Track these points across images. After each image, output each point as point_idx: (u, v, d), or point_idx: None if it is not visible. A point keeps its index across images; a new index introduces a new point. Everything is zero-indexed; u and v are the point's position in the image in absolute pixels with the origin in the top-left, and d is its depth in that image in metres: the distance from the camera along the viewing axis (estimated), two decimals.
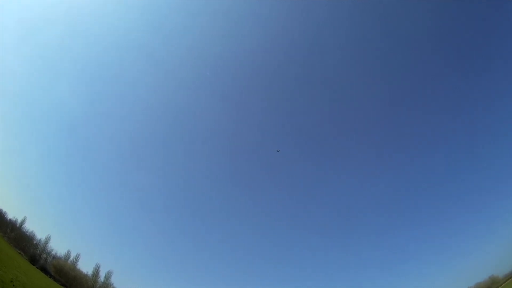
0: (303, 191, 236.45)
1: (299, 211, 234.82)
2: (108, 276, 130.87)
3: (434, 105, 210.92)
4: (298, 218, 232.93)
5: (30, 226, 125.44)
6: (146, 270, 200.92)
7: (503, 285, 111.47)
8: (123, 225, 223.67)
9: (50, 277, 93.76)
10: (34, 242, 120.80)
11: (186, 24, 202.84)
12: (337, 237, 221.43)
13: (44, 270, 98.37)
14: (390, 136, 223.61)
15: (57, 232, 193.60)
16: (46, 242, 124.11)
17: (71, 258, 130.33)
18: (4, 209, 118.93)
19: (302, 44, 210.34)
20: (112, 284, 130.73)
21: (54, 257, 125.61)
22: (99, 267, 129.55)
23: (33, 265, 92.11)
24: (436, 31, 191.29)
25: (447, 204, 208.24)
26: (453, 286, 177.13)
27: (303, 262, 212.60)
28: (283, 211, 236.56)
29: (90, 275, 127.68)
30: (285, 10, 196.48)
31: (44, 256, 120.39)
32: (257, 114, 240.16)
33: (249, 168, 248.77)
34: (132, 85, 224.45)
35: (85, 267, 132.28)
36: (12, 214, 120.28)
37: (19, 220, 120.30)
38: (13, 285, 27.29)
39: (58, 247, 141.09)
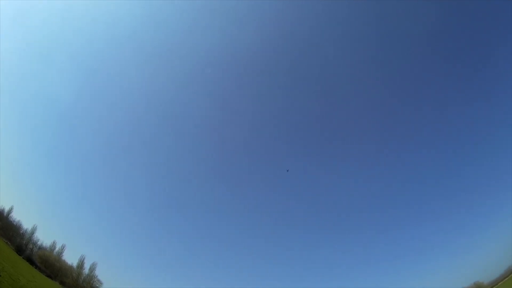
0: (299, 189, 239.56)
1: (295, 209, 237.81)
2: (92, 268, 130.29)
3: (432, 102, 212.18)
4: (293, 215, 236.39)
5: (17, 216, 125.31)
6: (132, 263, 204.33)
7: None
8: (111, 218, 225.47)
9: (36, 268, 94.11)
10: (21, 232, 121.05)
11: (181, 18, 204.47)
12: (323, 237, 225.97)
13: (30, 260, 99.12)
14: (386, 134, 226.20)
15: (43, 222, 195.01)
16: (32, 232, 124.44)
17: (57, 249, 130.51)
18: None
19: (298, 40, 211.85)
20: (97, 276, 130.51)
21: (40, 248, 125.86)
22: (84, 258, 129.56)
23: (20, 255, 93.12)
24: (434, 28, 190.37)
25: (435, 205, 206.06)
26: None
27: (297, 260, 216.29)
28: (279, 209, 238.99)
29: (75, 267, 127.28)
30: (281, 8, 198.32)
31: (30, 246, 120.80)
32: (254, 112, 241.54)
33: (243, 164, 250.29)
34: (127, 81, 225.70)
35: (70, 258, 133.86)
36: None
37: (6, 209, 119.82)
38: (0, 276, 27.32)
39: (44, 237, 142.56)
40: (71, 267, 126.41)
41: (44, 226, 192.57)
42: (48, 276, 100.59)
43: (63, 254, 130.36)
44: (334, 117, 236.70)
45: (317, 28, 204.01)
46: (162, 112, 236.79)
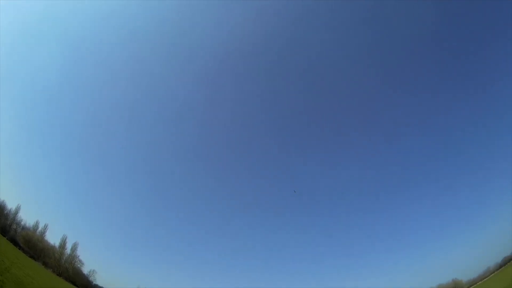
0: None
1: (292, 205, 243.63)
2: (74, 248, 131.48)
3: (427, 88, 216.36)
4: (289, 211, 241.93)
5: (2, 196, 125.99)
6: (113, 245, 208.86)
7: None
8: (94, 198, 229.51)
9: (19, 249, 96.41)
10: (5, 212, 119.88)
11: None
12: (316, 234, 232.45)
13: (13, 241, 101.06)
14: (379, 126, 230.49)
15: (27, 201, 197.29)
16: (16, 212, 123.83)
17: (39, 229, 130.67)
18: None
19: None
20: (78, 256, 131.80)
21: (24, 228, 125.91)
22: (66, 238, 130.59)
23: (4, 236, 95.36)
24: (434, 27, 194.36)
25: (418, 202, 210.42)
26: (415, 286, 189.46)
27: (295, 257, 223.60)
28: (276, 205, 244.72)
29: (57, 247, 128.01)
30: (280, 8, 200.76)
31: (14, 227, 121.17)
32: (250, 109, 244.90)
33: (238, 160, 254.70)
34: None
35: (53, 238, 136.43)
36: None
37: None
38: None
39: (28, 217, 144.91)
40: (53, 247, 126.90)
41: (28, 205, 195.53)
42: (31, 257, 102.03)
43: (46, 234, 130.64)
44: (329, 109, 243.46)
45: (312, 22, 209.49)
46: (160, 107, 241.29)
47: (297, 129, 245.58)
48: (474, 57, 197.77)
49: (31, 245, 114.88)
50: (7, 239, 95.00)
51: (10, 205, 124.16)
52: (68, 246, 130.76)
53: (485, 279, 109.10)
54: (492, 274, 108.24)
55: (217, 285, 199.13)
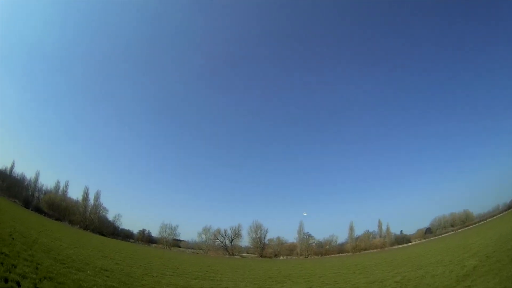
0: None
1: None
2: (97, 196, 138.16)
3: None
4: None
5: (20, 169, 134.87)
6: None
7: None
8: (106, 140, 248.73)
9: (44, 215, 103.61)
10: (26, 183, 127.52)
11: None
12: None
13: (38, 210, 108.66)
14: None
15: (45, 164, 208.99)
16: (36, 180, 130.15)
17: (61, 188, 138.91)
18: None
19: None
20: (102, 204, 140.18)
21: (45, 193, 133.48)
22: (87, 190, 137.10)
23: (28, 208, 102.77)
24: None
25: (434, 121, 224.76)
26: (429, 209, 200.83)
27: None
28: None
29: (80, 201, 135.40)
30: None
31: (37, 194, 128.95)
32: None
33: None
34: None
35: (76, 193, 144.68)
36: (2, 164, 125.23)
37: (8, 166, 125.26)
38: (13, 238, 29.19)
39: (49, 180, 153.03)
40: (76, 202, 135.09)
41: (47, 168, 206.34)
42: (57, 219, 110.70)
43: (68, 191, 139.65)
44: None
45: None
46: None
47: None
48: None
49: (55, 207, 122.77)
50: (31, 209, 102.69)
51: (29, 175, 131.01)
52: (91, 197, 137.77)
53: (494, 217, 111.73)
54: (500, 214, 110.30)
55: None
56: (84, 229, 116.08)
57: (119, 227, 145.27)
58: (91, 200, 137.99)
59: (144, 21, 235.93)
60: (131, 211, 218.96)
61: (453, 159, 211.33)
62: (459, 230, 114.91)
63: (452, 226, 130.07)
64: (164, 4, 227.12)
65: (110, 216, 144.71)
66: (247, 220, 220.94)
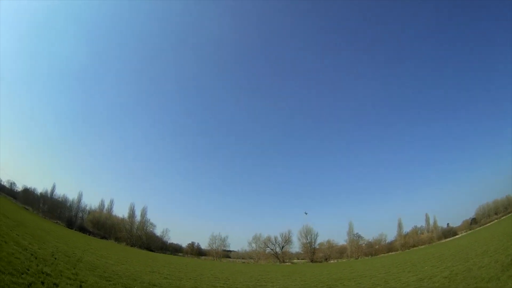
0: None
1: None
2: (143, 213, 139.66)
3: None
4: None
5: (61, 191, 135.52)
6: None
7: None
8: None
9: (89, 234, 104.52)
10: (68, 205, 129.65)
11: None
12: None
13: (82, 229, 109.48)
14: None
15: (87, 185, 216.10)
16: (79, 200, 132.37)
17: (105, 206, 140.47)
18: (33, 186, 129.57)
19: None
20: (149, 220, 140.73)
21: (89, 212, 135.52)
22: (133, 206, 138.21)
23: (71, 228, 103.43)
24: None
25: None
26: (474, 198, 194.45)
27: None
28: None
29: (126, 218, 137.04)
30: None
31: (80, 214, 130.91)
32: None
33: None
34: None
35: (121, 211, 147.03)
36: (41, 187, 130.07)
37: (49, 189, 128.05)
38: (55, 258, 29.39)
39: (92, 200, 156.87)
40: (123, 219, 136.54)
41: (90, 189, 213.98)
42: (103, 237, 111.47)
43: (113, 209, 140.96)
44: None
45: None
46: None
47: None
48: None
49: (100, 226, 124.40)
50: (74, 229, 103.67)
51: (72, 196, 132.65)
52: (137, 214, 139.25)
53: None
54: None
55: None
56: (131, 246, 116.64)
57: (167, 242, 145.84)
58: (138, 217, 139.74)
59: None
60: (179, 225, 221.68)
61: (492, 144, 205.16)
62: (502, 218, 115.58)
63: (496, 214, 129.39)
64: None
65: (158, 231, 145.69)
66: (297, 225, 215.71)
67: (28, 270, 20.32)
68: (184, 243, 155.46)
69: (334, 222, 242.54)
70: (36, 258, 26.44)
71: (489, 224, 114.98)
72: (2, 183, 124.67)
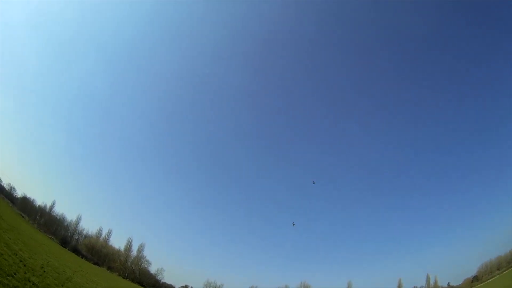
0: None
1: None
2: (140, 249, 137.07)
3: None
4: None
5: (60, 209, 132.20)
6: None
7: None
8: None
9: (82, 257, 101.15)
10: (65, 224, 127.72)
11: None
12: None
13: (76, 251, 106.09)
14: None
15: (88, 211, 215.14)
16: (77, 223, 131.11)
17: (103, 235, 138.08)
18: (33, 197, 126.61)
19: None
20: (145, 256, 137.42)
21: (86, 236, 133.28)
22: (131, 241, 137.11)
23: (65, 247, 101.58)
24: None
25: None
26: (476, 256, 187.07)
27: None
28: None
29: (122, 250, 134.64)
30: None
31: (76, 236, 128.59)
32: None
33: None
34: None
35: (117, 242, 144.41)
36: (41, 200, 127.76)
37: (48, 204, 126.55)
38: (44, 271, 29.10)
39: (90, 226, 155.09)
40: (118, 251, 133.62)
41: (90, 214, 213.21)
42: (96, 263, 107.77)
43: (110, 239, 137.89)
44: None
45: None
46: None
47: None
48: None
49: (95, 252, 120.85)
50: (68, 249, 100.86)
51: (70, 217, 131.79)
52: (134, 248, 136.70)
53: None
54: None
55: None
56: (123, 277, 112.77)
57: (160, 280, 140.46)
58: (134, 252, 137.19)
59: None
60: (174, 266, 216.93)
61: (492, 200, 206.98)
62: (504, 272, 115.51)
63: (498, 269, 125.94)
64: None
65: (153, 269, 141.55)
66: (294, 279, 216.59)
67: (15, 274, 19.05)
68: (178, 284, 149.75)
69: (333, 280, 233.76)
70: (25, 266, 25.86)
71: (490, 280, 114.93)
72: (2, 184, 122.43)
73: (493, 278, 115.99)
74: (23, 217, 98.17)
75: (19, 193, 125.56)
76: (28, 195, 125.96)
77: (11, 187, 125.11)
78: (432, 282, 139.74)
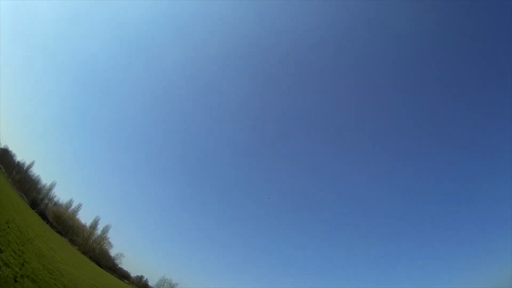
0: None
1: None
2: (105, 230, 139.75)
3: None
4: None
5: (38, 171, 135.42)
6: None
7: None
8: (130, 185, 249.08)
9: (47, 223, 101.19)
10: (38, 186, 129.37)
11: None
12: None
13: (43, 215, 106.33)
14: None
15: (64, 180, 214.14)
16: (50, 188, 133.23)
17: (72, 207, 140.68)
18: (14, 151, 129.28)
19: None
20: (108, 238, 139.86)
21: (56, 204, 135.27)
22: (98, 219, 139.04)
23: (33, 209, 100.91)
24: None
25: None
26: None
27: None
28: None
29: (88, 226, 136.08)
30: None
31: (46, 201, 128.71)
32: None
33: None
34: None
35: (84, 219, 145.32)
36: (21, 156, 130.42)
37: (27, 163, 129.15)
38: (8, 227, 29.22)
39: (62, 195, 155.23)
40: (83, 226, 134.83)
41: (65, 184, 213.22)
42: (59, 232, 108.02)
43: (78, 213, 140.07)
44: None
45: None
46: None
47: None
48: None
49: (61, 221, 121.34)
50: (35, 212, 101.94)
51: (45, 181, 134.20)
52: (100, 228, 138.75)
53: None
54: None
55: None
56: (83, 253, 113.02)
57: (117, 265, 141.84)
58: (99, 231, 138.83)
59: None
60: (135, 256, 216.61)
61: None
62: None
63: None
64: None
65: (113, 253, 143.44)
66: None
67: None
68: (133, 273, 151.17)
69: None
70: None
71: None
72: None
73: None
74: (0, 168, 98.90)
75: (2, 143, 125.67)
76: (10, 149, 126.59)
77: None
78: None
